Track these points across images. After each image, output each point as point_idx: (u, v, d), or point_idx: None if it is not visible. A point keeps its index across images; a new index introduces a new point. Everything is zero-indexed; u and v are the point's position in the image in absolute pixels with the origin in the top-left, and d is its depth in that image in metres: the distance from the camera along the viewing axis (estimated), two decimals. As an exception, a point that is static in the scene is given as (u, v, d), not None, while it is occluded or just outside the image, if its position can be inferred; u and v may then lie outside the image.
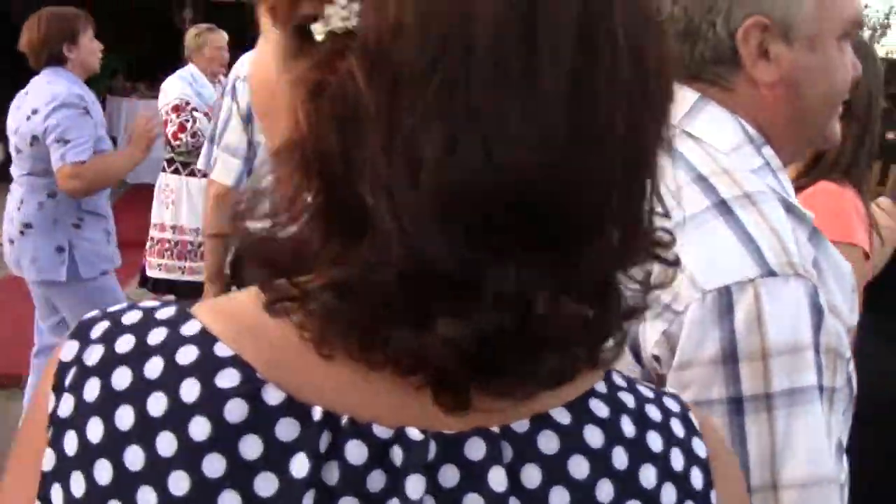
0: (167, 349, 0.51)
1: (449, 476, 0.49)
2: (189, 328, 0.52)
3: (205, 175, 4.11)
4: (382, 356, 0.47)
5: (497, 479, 0.49)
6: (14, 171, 3.27)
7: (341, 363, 0.49)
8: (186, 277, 4.50)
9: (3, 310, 5.33)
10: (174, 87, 4.59)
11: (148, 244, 4.69)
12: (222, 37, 4.80)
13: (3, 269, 6.30)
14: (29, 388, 3.47)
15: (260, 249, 0.48)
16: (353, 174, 0.44)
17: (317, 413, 0.49)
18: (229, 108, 2.65)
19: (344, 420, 0.49)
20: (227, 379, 0.50)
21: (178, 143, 4.45)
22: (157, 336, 0.52)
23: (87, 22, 3.27)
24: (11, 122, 3.22)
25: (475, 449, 0.50)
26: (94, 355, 0.52)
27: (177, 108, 4.42)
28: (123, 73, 11.90)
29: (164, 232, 4.64)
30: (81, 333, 0.54)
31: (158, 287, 4.71)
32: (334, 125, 0.45)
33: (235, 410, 0.49)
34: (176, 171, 4.60)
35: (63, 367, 0.53)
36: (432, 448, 0.49)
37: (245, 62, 2.69)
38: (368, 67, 0.44)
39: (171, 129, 4.36)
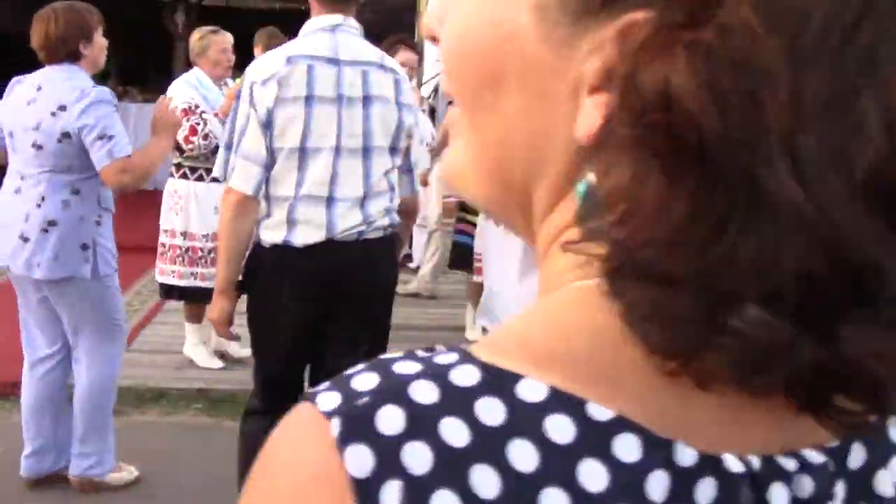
0: (526, 427, 0.37)
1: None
2: (528, 391, 0.38)
3: (214, 180, 4.09)
4: (775, 378, 0.37)
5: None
6: (23, 167, 3.17)
7: (710, 393, 0.38)
8: (198, 283, 4.44)
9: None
10: (180, 92, 4.51)
11: (159, 250, 4.63)
12: (226, 38, 4.72)
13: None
14: (26, 407, 3.35)
15: (638, 259, 0.37)
16: (748, 157, 0.35)
17: (733, 464, 0.38)
18: (247, 113, 2.57)
19: (756, 464, 0.38)
20: (628, 449, 0.37)
21: (190, 146, 4.39)
22: (490, 411, 0.37)
23: (99, 19, 3.23)
24: (21, 118, 3.13)
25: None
26: (416, 461, 0.36)
27: (185, 112, 4.35)
28: (115, 77, 11.82)
29: (175, 238, 4.58)
30: (366, 430, 0.36)
31: (171, 293, 4.66)
32: (719, 94, 0.35)
33: (657, 488, 0.37)
34: (184, 177, 4.54)
35: (364, 485, 0.36)
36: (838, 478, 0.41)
37: (261, 69, 2.60)
38: (769, 22, 0.34)
39: (181, 133, 4.27)
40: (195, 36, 4.69)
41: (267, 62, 2.61)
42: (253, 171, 2.56)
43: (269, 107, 2.52)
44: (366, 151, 2.60)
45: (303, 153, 2.55)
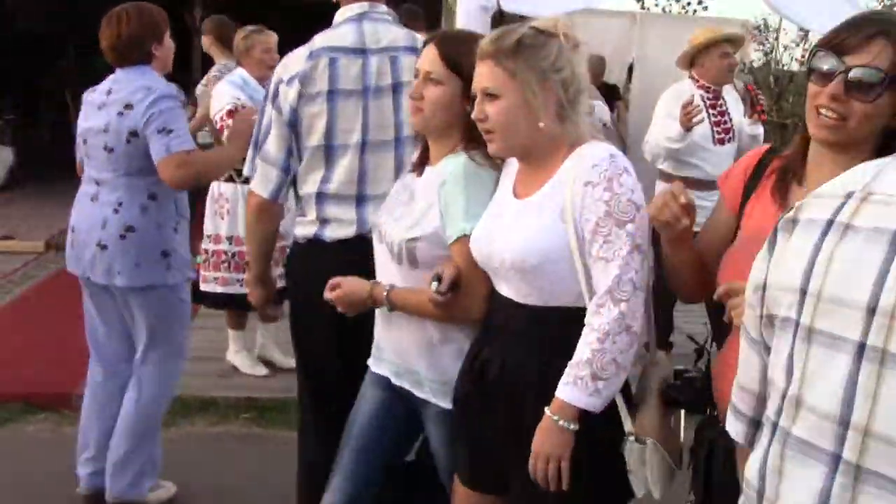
0: None
1: None
2: None
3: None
4: None
5: None
6: (97, 172, 3.09)
7: None
8: (245, 290, 4.32)
9: (51, 320, 5.15)
10: (225, 93, 4.40)
11: (201, 257, 4.51)
12: (271, 38, 4.60)
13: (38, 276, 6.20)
14: (88, 420, 3.25)
15: None
16: None
17: None
18: (270, 114, 2.49)
19: None
20: None
21: None
22: None
23: (167, 19, 3.15)
24: (93, 122, 3.06)
25: None
26: None
27: (231, 113, 4.23)
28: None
29: (220, 244, 4.47)
30: None
31: (217, 301, 4.54)
32: None
33: None
34: (230, 180, 4.42)
35: None
36: None
37: (287, 65, 2.50)
38: None
39: (228, 134, 4.16)
40: (239, 35, 4.57)
41: (292, 59, 2.50)
42: (272, 174, 2.49)
43: (293, 106, 2.43)
44: (397, 143, 2.46)
45: (329, 150, 2.45)
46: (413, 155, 2.31)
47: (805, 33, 8.82)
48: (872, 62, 1.52)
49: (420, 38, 2.50)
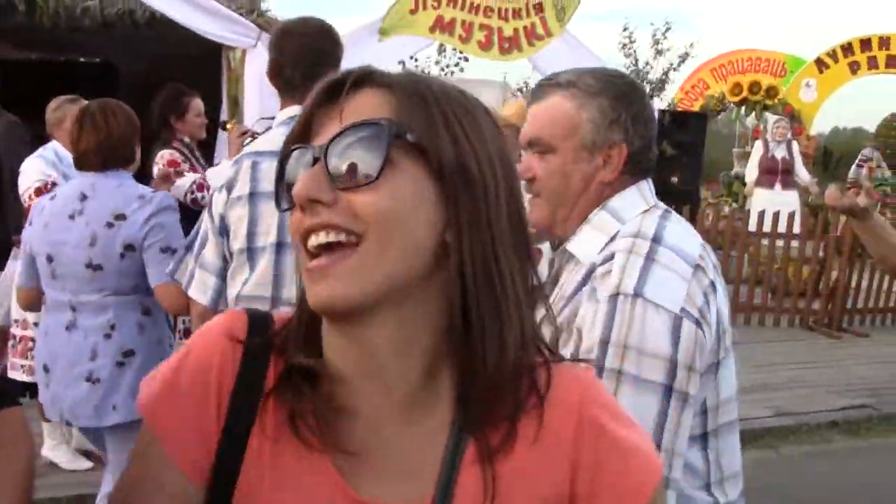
0: None
1: None
2: None
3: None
4: None
5: None
6: (74, 295, 2.69)
7: None
8: None
9: None
10: (34, 169, 4.10)
11: (10, 343, 4.13)
12: None
13: None
14: None
15: None
16: None
17: None
18: (206, 223, 2.44)
19: None
20: None
21: None
22: None
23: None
24: (66, 235, 2.68)
25: None
26: None
27: (39, 192, 3.95)
28: None
29: (28, 329, 4.11)
30: None
31: (27, 390, 4.15)
32: None
33: None
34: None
35: None
36: None
37: (221, 173, 2.49)
38: None
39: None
40: (51, 106, 4.28)
41: (224, 167, 2.51)
42: (210, 281, 2.43)
43: (221, 213, 2.40)
44: None
45: (250, 253, 2.40)
46: None
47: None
48: None
49: None
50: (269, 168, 2.41)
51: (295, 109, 2.49)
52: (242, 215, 2.38)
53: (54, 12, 6.79)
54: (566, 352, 1.33)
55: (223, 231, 2.40)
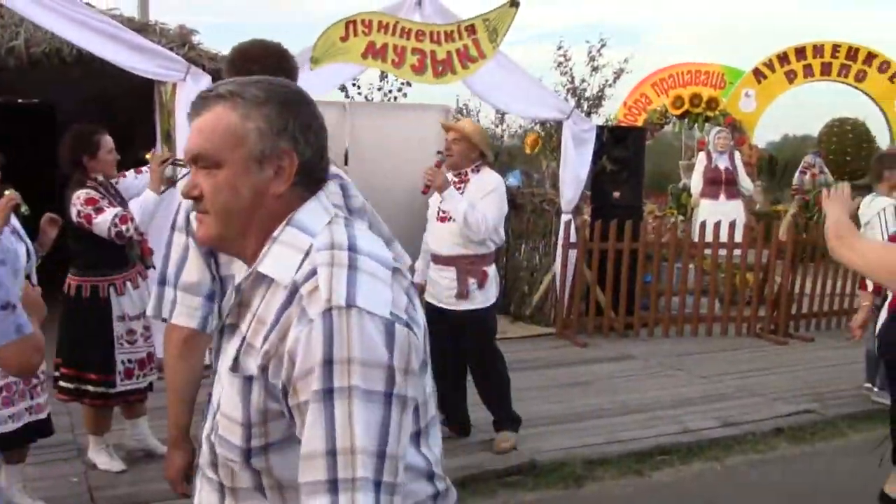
0: None
1: None
2: None
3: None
4: None
5: None
6: None
7: None
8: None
9: None
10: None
11: None
12: None
13: None
14: None
15: None
16: None
17: None
18: (184, 244, 2.33)
19: None
20: None
21: None
22: None
23: None
24: None
25: None
26: None
27: None
28: None
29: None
30: None
31: None
32: None
33: None
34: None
35: None
36: None
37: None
38: None
39: None
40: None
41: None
42: (195, 302, 2.32)
43: None
44: None
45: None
46: None
47: (502, 115, 9.63)
48: None
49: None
50: None
51: None
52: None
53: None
54: (278, 381, 1.28)
55: (210, 252, 2.29)
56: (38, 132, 10.80)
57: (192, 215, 2.38)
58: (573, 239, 8.16)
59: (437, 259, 4.96)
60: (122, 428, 4.83)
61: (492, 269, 4.98)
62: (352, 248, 1.32)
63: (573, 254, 8.17)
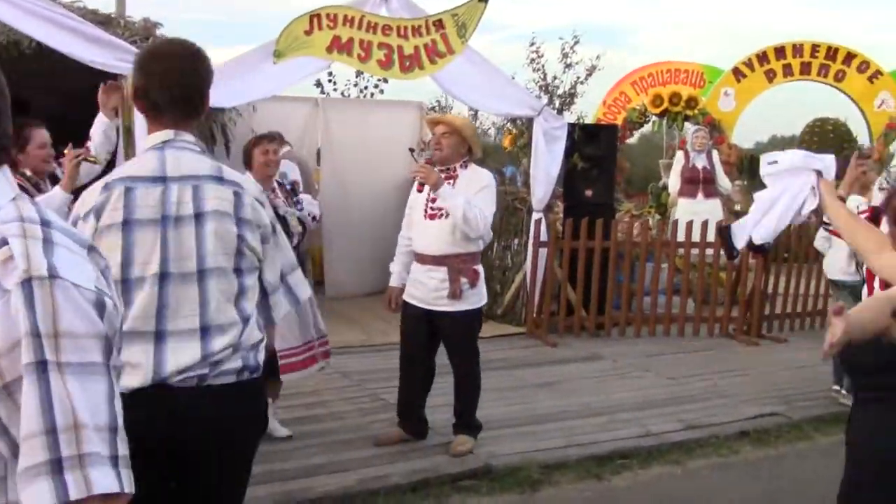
0: None
1: None
2: None
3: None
4: None
5: None
6: None
7: None
8: None
9: None
10: None
11: None
12: None
13: None
14: None
15: None
16: None
17: None
18: None
19: None
20: None
21: None
22: None
23: None
24: None
25: None
26: None
27: None
28: None
29: None
30: None
31: None
32: None
33: None
34: None
35: None
36: None
37: (84, 200, 2.28)
38: None
39: None
40: None
41: (88, 194, 2.29)
42: None
43: None
44: (201, 275, 2.27)
45: (126, 285, 2.22)
46: (223, 288, 2.27)
47: (475, 112, 9.51)
48: None
49: (226, 168, 2.37)
50: (143, 195, 2.25)
51: (166, 134, 2.34)
52: (114, 245, 2.20)
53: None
54: None
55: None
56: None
57: (80, 224, 2.27)
58: (544, 237, 8.05)
59: (425, 259, 4.78)
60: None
61: (480, 268, 4.87)
62: (45, 224, 1.20)
63: (544, 252, 8.07)
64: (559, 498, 4.56)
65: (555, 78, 8.40)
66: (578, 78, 8.43)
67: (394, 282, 5.00)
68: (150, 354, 2.22)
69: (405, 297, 4.89)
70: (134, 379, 2.19)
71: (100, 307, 1.17)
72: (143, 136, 6.56)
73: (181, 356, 2.23)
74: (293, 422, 5.28)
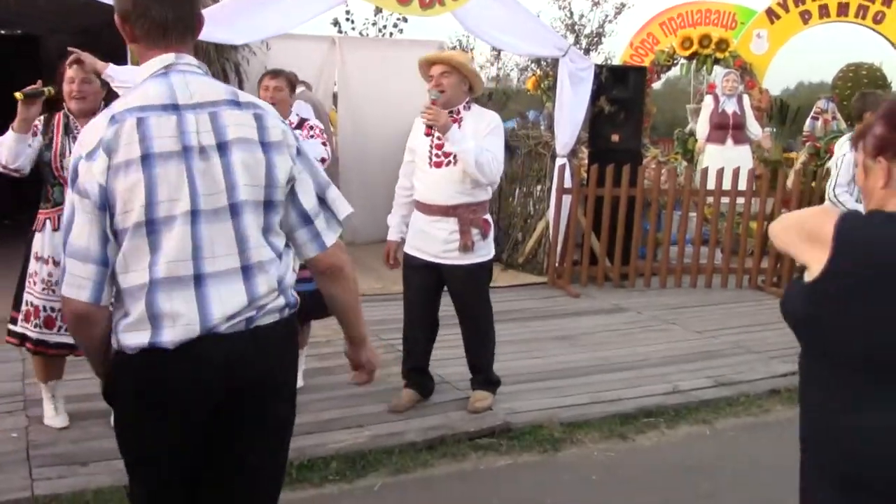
0: None
1: None
2: None
3: None
4: None
5: None
6: None
7: None
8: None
9: None
10: None
11: None
12: None
13: None
14: None
15: None
16: None
17: None
18: (71, 200, 2.01)
19: None
20: None
21: None
22: None
23: None
24: None
25: None
26: None
27: None
28: None
29: None
30: None
31: None
32: None
33: None
34: None
35: None
36: None
37: (84, 141, 2.01)
38: None
39: None
40: None
41: (88, 132, 2.02)
42: (86, 271, 1.99)
43: (100, 182, 1.95)
44: (233, 209, 2.04)
45: (151, 226, 1.98)
46: (257, 223, 2.07)
47: (497, 52, 9.14)
48: None
49: (240, 91, 2.14)
50: (160, 125, 1.99)
51: (166, 57, 2.07)
52: (136, 182, 1.96)
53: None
54: None
55: (104, 205, 1.96)
56: (22, 65, 10.36)
57: (82, 165, 2.03)
58: (568, 184, 7.75)
59: (432, 209, 4.49)
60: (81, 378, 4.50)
61: (489, 217, 4.61)
62: None
63: (567, 200, 7.78)
64: (581, 458, 4.35)
65: (581, 16, 8.00)
66: (607, 16, 8.03)
67: (392, 235, 4.74)
68: (193, 302, 2.00)
69: (407, 249, 4.63)
70: (179, 331, 1.99)
71: None
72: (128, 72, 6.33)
73: (227, 301, 2.02)
74: (307, 373, 5.10)
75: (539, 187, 8.41)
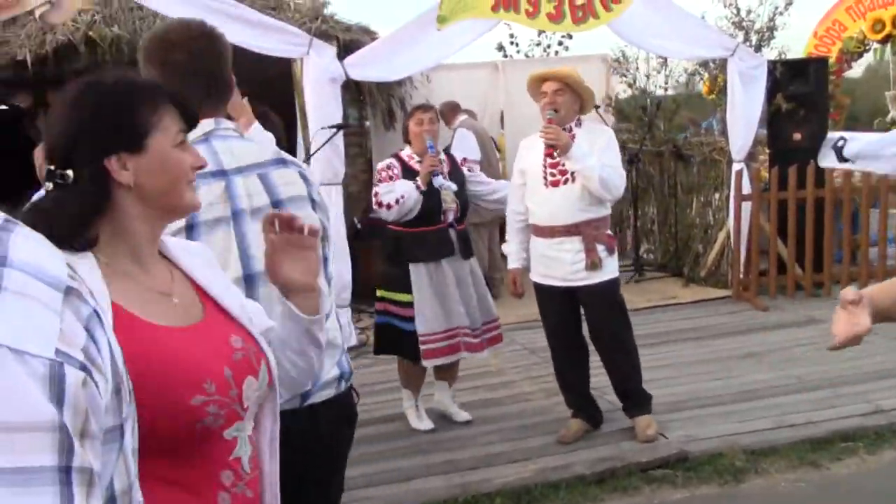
0: None
1: None
2: None
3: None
4: None
5: None
6: None
7: None
8: None
9: None
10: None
11: None
12: None
13: None
14: None
15: None
16: None
17: None
18: None
19: None
20: None
21: None
22: None
23: None
24: None
25: None
26: None
27: None
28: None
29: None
30: None
31: None
32: None
33: None
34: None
35: None
36: None
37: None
38: None
39: None
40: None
41: None
42: None
43: None
44: None
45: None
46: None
47: (664, 60, 8.80)
48: None
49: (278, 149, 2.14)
50: (206, 192, 1.94)
51: (206, 124, 2.04)
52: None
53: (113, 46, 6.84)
54: None
55: None
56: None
57: None
58: (747, 190, 7.29)
59: (553, 231, 4.36)
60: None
61: (610, 232, 4.47)
62: None
63: (747, 206, 7.31)
64: (767, 490, 3.99)
65: (749, 12, 7.54)
66: (777, 9, 7.52)
67: (513, 263, 4.60)
68: None
69: (534, 278, 4.49)
70: None
71: (55, 383, 0.82)
72: (313, 112, 6.48)
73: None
74: (476, 404, 5.05)
75: (717, 195, 7.98)
